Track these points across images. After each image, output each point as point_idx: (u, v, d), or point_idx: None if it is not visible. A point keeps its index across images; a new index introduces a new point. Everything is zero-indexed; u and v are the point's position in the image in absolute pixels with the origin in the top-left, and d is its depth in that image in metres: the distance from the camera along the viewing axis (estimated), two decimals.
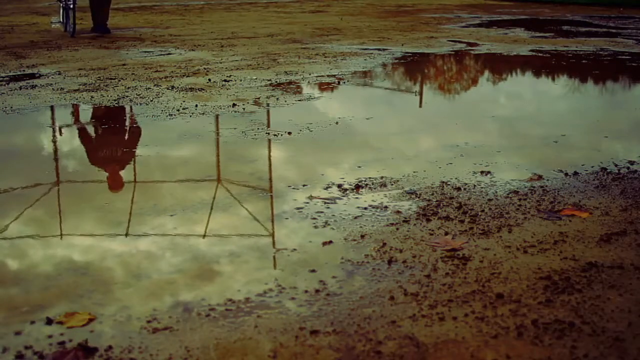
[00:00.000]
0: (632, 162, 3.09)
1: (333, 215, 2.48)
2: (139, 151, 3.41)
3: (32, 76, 5.55)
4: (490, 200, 2.61)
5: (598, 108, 4.70)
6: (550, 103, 4.72)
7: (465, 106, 4.79)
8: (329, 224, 2.39)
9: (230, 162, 3.24)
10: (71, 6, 8.67)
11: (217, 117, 4.09)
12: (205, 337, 1.66)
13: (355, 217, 2.45)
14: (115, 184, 3.00)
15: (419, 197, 2.64)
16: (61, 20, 9.87)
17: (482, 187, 2.76)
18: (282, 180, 2.91)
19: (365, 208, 2.54)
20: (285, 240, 2.28)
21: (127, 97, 4.64)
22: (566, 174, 2.92)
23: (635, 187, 2.77)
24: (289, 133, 3.65)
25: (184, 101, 4.50)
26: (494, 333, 1.66)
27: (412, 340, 1.63)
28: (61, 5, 9.87)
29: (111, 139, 3.77)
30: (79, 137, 3.81)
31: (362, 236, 2.28)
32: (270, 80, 5.31)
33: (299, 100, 4.55)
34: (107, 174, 3.15)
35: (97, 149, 3.65)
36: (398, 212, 2.50)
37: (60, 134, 3.64)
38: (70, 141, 3.73)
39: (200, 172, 3.09)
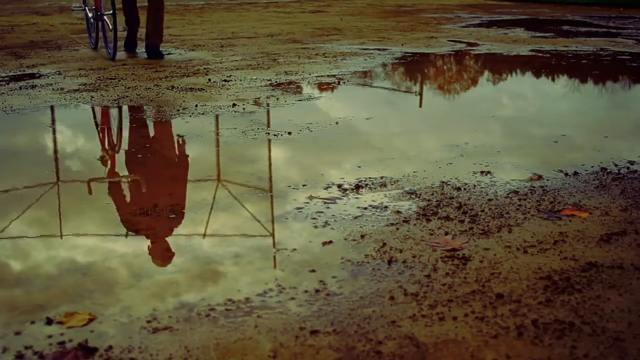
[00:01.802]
0: (632, 162, 3.09)
1: (333, 215, 2.48)
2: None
3: (32, 76, 5.55)
4: (490, 200, 2.61)
5: (598, 108, 4.70)
6: (550, 103, 4.72)
7: (465, 106, 4.79)
8: (329, 224, 2.39)
9: (230, 162, 3.24)
10: (103, 17, 6.38)
11: (217, 117, 4.09)
12: (205, 337, 1.66)
13: (355, 217, 2.45)
14: (163, 257, 2.19)
15: (419, 197, 2.64)
16: (90, 37, 7.28)
17: (482, 187, 2.76)
18: (283, 180, 2.91)
19: (365, 208, 2.54)
20: (285, 240, 2.28)
21: (127, 97, 4.64)
22: (566, 174, 2.92)
23: (635, 187, 2.77)
24: (289, 133, 3.65)
25: (184, 101, 4.50)
26: (494, 333, 1.66)
27: (412, 340, 1.63)
28: (89, 14, 7.04)
29: (156, 188, 2.85)
30: (109, 189, 2.86)
31: (362, 236, 2.28)
32: (270, 80, 5.31)
33: (299, 100, 4.55)
34: (149, 242, 2.28)
35: (135, 206, 2.63)
36: (398, 212, 2.50)
37: (90, 192, 2.74)
38: (70, 141, 3.73)
39: (201, 172, 3.09)
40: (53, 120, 4.17)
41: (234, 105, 4.37)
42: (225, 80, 5.26)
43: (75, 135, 3.86)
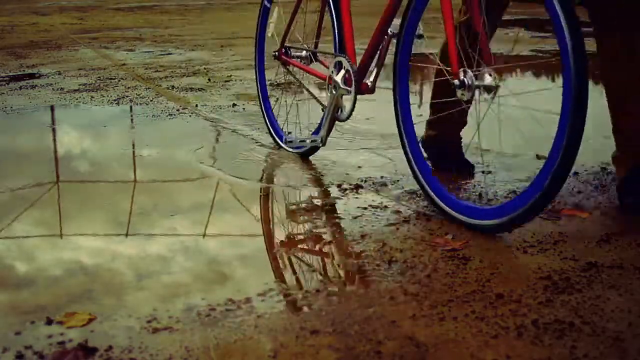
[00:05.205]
0: None
1: (333, 215, 2.48)
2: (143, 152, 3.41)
3: (32, 76, 5.55)
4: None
5: (598, 108, 4.69)
6: (550, 103, 4.71)
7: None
8: (329, 224, 2.39)
9: (230, 162, 3.24)
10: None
11: (217, 117, 4.09)
12: (205, 337, 1.66)
13: (355, 217, 2.45)
14: None
15: (419, 197, 2.64)
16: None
17: (482, 187, 2.76)
18: (282, 180, 2.91)
19: (365, 208, 2.54)
20: (285, 240, 2.28)
21: (127, 97, 4.65)
22: None
23: None
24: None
25: (184, 101, 4.50)
26: (494, 333, 1.66)
27: (412, 340, 1.63)
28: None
29: None
30: None
31: (362, 236, 2.28)
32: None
33: (299, 100, 4.54)
34: None
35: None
36: (398, 212, 2.50)
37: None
38: (70, 141, 3.73)
39: (201, 172, 3.09)
40: (53, 120, 4.17)
41: (234, 105, 4.38)
42: (225, 81, 5.26)
43: (75, 135, 3.86)
